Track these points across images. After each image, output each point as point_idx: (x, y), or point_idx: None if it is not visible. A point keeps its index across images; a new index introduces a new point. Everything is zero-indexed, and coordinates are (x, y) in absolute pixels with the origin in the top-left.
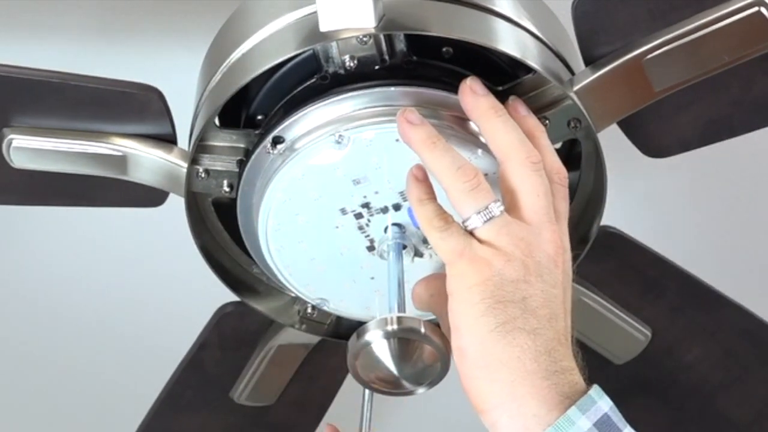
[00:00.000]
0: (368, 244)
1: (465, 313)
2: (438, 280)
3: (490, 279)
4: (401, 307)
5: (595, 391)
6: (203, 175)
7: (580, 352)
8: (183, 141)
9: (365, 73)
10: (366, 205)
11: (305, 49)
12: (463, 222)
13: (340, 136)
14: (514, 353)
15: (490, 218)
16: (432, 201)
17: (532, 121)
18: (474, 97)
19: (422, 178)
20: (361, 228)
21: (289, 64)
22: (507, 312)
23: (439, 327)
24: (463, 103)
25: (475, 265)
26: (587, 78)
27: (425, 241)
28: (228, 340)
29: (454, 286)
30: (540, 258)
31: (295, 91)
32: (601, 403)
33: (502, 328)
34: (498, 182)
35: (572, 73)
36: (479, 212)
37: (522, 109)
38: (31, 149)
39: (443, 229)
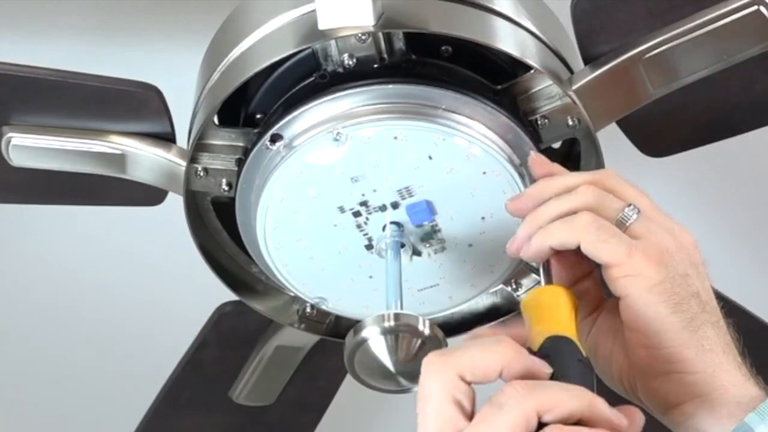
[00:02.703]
0: (366, 242)
1: (652, 315)
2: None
3: (667, 276)
4: (399, 304)
5: None
6: (202, 174)
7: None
8: (182, 139)
9: (364, 72)
10: (364, 203)
11: (304, 47)
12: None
13: (338, 133)
14: (707, 346)
15: (631, 219)
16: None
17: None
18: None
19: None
20: (359, 226)
21: (288, 63)
22: (691, 308)
23: (436, 324)
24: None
25: (649, 261)
26: (586, 77)
27: (423, 240)
28: (227, 340)
29: (632, 288)
30: (688, 247)
31: (293, 90)
32: None
33: (692, 324)
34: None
35: (571, 71)
36: (625, 209)
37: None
38: (31, 147)
39: (600, 228)
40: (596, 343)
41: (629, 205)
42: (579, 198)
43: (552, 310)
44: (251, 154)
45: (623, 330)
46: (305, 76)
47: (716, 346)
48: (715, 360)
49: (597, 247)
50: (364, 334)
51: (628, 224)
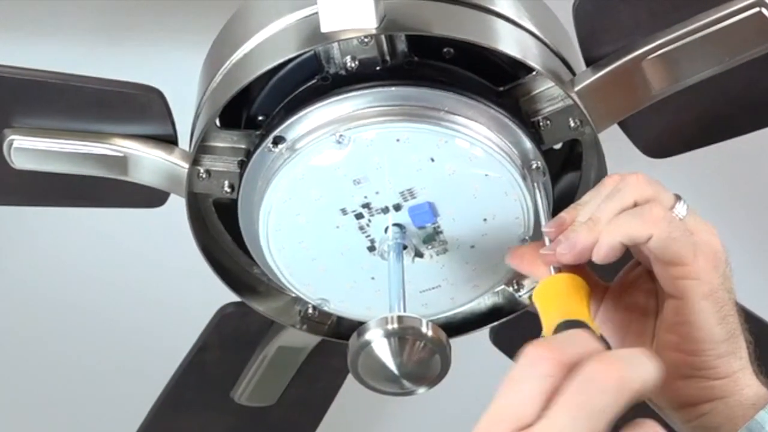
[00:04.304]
0: (369, 244)
1: (701, 323)
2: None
3: (719, 282)
4: (402, 307)
5: None
6: (204, 176)
7: None
8: (184, 142)
9: (366, 74)
10: (366, 206)
11: (306, 50)
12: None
13: (341, 136)
14: (739, 354)
15: (682, 214)
16: None
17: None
18: None
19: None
20: (361, 228)
21: (290, 65)
22: (733, 318)
23: (438, 325)
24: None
25: (708, 265)
26: (588, 78)
27: (425, 241)
28: (229, 341)
29: (691, 292)
30: (722, 244)
31: (296, 92)
32: None
33: (733, 335)
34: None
35: (573, 73)
36: (677, 202)
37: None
38: (32, 150)
39: (672, 223)
40: (605, 334)
41: (679, 198)
42: (636, 190)
43: (563, 297)
44: (254, 157)
45: (639, 321)
46: (307, 79)
47: (744, 353)
48: (740, 365)
49: (667, 244)
50: (368, 336)
51: (679, 218)
